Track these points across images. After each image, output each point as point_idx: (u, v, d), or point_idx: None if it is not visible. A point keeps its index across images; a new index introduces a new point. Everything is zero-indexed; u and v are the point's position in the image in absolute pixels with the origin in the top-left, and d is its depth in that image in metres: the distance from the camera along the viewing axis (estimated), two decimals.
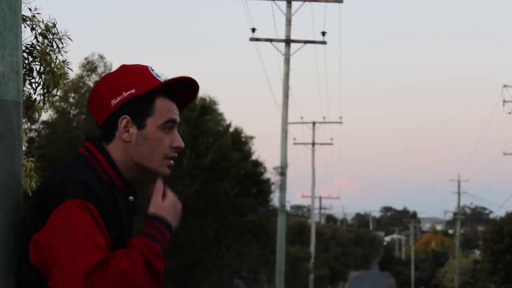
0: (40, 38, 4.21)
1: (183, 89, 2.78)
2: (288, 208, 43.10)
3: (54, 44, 4.21)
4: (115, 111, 2.68)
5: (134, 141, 2.69)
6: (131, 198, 2.77)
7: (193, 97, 2.83)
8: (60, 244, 2.48)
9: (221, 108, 35.06)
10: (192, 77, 2.76)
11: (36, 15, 4.19)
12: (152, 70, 2.76)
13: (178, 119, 2.75)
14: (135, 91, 2.68)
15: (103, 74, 2.82)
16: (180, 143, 2.74)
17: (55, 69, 4.22)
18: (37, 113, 4.44)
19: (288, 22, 25.15)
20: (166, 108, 2.71)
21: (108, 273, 2.44)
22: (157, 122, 2.69)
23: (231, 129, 24.53)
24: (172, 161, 2.76)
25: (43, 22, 4.21)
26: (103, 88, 2.72)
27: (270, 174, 25.18)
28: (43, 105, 4.38)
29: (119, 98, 2.68)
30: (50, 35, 4.20)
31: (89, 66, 21.81)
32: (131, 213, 2.77)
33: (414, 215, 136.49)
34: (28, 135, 21.53)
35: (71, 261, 2.45)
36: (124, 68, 2.75)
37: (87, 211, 2.52)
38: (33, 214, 2.57)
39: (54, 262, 2.48)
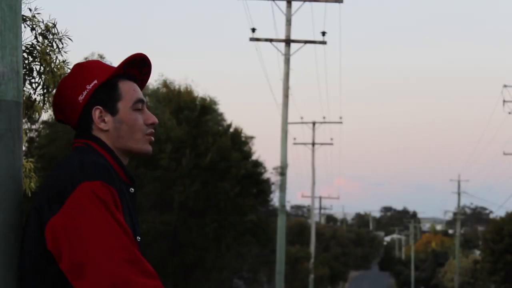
0: (40, 38, 4.21)
1: (138, 68, 2.85)
2: (288, 208, 43.11)
3: (54, 44, 4.21)
4: (85, 106, 2.73)
5: (112, 128, 2.74)
6: (132, 190, 2.79)
7: (148, 74, 2.90)
8: (82, 226, 2.48)
9: (221, 108, 35.04)
10: (143, 52, 2.82)
11: (36, 15, 4.19)
12: (103, 60, 2.86)
13: (143, 98, 2.83)
14: (97, 81, 2.74)
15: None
16: (154, 119, 2.82)
17: (55, 69, 4.22)
18: (37, 113, 4.44)
19: (288, 22, 25.15)
20: (131, 89, 2.79)
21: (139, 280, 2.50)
22: (128, 104, 2.76)
23: (231, 129, 24.53)
24: (152, 137, 2.82)
25: (43, 22, 4.21)
26: (65, 90, 2.77)
27: (270, 174, 25.19)
28: (43, 105, 4.38)
29: (84, 93, 2.73)
30: (50, 35, 4.20)
31: None
32: (134, 204, 2.79)
33: (414, 215, 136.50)
34: (28, 135, 21.53)
35: (102, 254, 2.45)
36: (78, 66, 2.83)
37: (109, 192, 2.54)
38: (48, 200, 2.55)
39: (81, 251, 2.46)
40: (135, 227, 2.71)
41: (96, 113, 2.73)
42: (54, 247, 2.50)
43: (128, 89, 2.78)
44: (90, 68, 2.78)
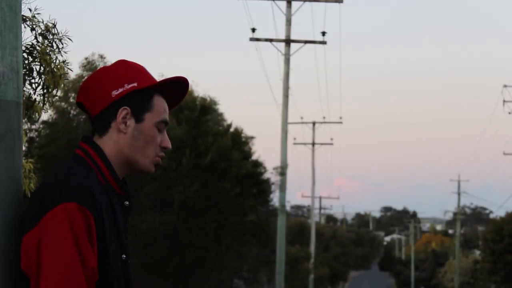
0: (40, 38, 4.20)
1: (174, 89, 2.82)
2: (288, 208, 43.09)
3: (54, 44, 4.21)
4: (115, 102, 2.70)
5: (129, 134, 2.72)
6: (127, 203, 2.76)
7: (181, 99, 2.88)
8: (47, 253, 2.48)
9: (221, 108, 35.02)
10: (187, 79, 2.80)
11: (36, 15, 4.18)
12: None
13: (168, 119, 2.83)
14: (137, 85, 2.72)
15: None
16: (169, 144, 2.80)
17: (55, 69, 4.22)
18: (37, 113, 4.43)
19: (288, 22, 25.15)
20: (162, 108, 2.76)
21: None
22: (154, 119, 2.74)
23: (231, 129, 24.52)
24: (160, 160, 2.81)
25: (43, 22, 4.21)
26: (102, 79, 2.74)
27: (270, 174, 25.19)
28: (43, 105, 4.38)
29: (120, 90, 2.71)
30: (50, 35, 4.20)
31: (89, 66, 21.82)
32: (126, 217, 2.76)
33: (414, 215, 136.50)
34: (28, 135, 21.52)
35: (56, 282, 2.44)
36: (123, 62, 2.79)
37: (83, 217, 2.51)
38: (29, 216, 2.56)
39: (39, 270, 2.47)
40: (121, 244, 2.68)
41: (123, 113, 2.70)
42: (25, 266, 2.52)
43: (160, 105, 2.76)
44: (135, 69, 2.76)
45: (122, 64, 2.77)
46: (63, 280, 2.44)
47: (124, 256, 2.68)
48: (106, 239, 2.59)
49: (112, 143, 2.72)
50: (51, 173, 2.65)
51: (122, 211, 2.72)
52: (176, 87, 2.81)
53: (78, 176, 2.60)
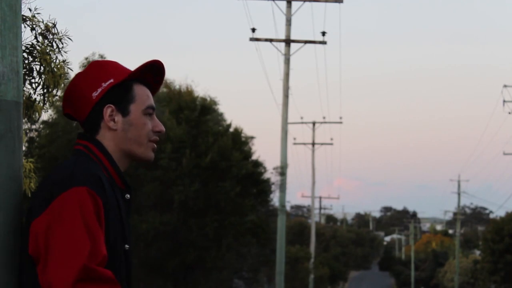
0: (40, 38, 4.20)
1: (152, 74, 2.87)
2: (288, 208, 43.10)
3: (54, 44, 4.21)
4: (98, 102, 2.74)
5: (120, 129, 2.76)
6: (128, 196, 2.80)
7: (160, 82, 2.92)
8: (57, 235, 2.50)
9: (221, 108, 34.97)
10: (160, 60, 2.84)
11: (36, 15, 4.18)
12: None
13: (154, 104, 2.86)
14: (113, 81, 2.75)
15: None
16: (162, 127, 2.84)
17: (55, 69, 4.22)
18: (37, 113, 4.43)
19: (288, 22, 25.15)
20: (145, 95, 2.81)
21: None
22: (140, 108, 2.78)
23: (231, 129, 24.52)
24: (155, 145, 2.85)
25: (43, 22, 4.20)
26: (80, 85, 2.78)
27: (270, 174, 25.17)
28: (43, 105, 4.37)
29: (99, 90, 2.74)
30: (50, 35, 4.20)
31: None
32: (128, 210, 2.81)
33: (414, 215, 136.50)
34: (28, 135, 21.53)
35: (64, 260, 2.46)
36: (96, 63, 2.83)
37: (93, 200, 2.55)
38: (37, 203, 2.58)
39: (47, 251, 2.49)
40: (125, 235, 2.72)
41: (108, 111, 2.74)
42: (34, 251, 2.54)
43: (142, 93, 2.80)
44: (108, 66, 2.80)
45: (95, 66, 2.82)
46: (72, 260, 2.45)
47: (127, 246, 2.73)
48: (112, 226, 2.63)
49: (106, 141, 2.76)
50: (57, 167, 2.68)
51: (124, 204, 2.77)
52: (153, 71, 2.85)
53: (86, 164, 2.65)
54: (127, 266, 2.74)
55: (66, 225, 2.49)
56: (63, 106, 2.85)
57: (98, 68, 2.79)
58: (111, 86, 2.75)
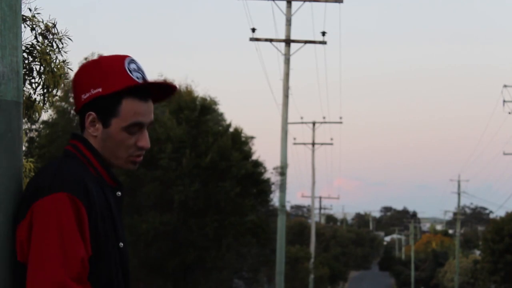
0: (40, 38, 4.20)
1: (156, 88, 2.77)
2: (288, 208, 43.08)
3: (54, 44, 4.21)
4: (84, 106, 2.71)
5: (99, 136, 2.72)
6: (119, 193, 2.77)
7: (169, 95, 2.81)
8: (33, 242, 2.50)
9: (221, 108, 34.94)
10: (167, 82, 2.75)
11: (36, 15, 4.18)
12: (131, 62, 2.72)
13: (147, 119, 2.72)
14: (101, 90, 2.68)
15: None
16: (146, 143, 2.72)
17: (55, 69, 4.21)
18: (37, 113, 4.43)
19: (288, 22, 25.14)
20: (132, 111, 2.68)
21: None
22: (121, 124, 2.69)
23: (231, 129, 24.51)
24: (139, 158, 2.76)
25: (43, 22, 4.20)
26: (77, 80, 2.75)
27: (270, 174, 25.17)
28: (43, 105, 4.37)
29: (87, 94, 2.70)
30: (50, 35, 4.20)
31: None
32: (119, 207, 2.78)
33: (414, 215, 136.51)
34: (28, 135, 21.53)
35: (41, 268, 2.46)
36: (98, 62, 2.73)
37: (73, 206, 2.52)
38: (22, 208, 2.58)
39: (28, 261, 2.50)
40: (118, 233, 2.69)
41: (89, 118, 2.71)
42: (21, 257, 2.55)
43: (129, 109, 2.68)
44: (104, 71, 2.69)
45: (94, 65, 2.72)
46: (44, 271, 2.45)
47: (121, 244, 2.70)
48: (100, 228, 2.60)
49: (91, 141, 2.74)
50: (42, 169, 2.66)
51: (115, 202, 2.74)
52: (157, 86, 2.76)
53: (69, 168, 2.62)
54: (123, 264, 2.71)
55: (41, 234, 2.48)
56: (71, 85, 2.84)
57: (94, 70, 2.71)
58: (98, 95, 2.68)
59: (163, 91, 2.79)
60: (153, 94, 2.77)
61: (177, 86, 2.82)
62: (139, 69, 2.72)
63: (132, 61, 2.73)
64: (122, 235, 2.73)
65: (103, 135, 2.71)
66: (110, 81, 2.68)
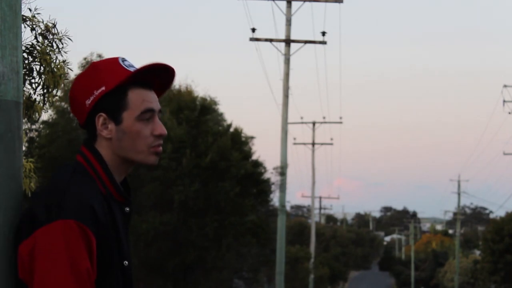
0: (40, 38, 4.20)
1: (157, 75, 2.75)
2: (288, 208, 43.07)
3: (54, 44, 4.21)
4: (91, 111, 2.68)
5: (114, 137, 2.67)
6: (127, 209, 2.74)
7: (170, 81, 2.79)
8: (39, 266, 2.46)
9: (221, 108, 34.94)
10: (162, 62, 2.72)
11: (36, 15, 4.18)
12: (124, 61, 2.73)
13: (156, 106, 2.72)
14: (105, 88, 2.66)
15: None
16: (162, 130, 2.70)
17: (55, 69, 4.21)
18: (37, 113, 4.43)
19: (288, 22, 25.14)
20: (140, 99, 2.68)
21: None
22: (133, 115, 2.67)
23: (231, 129, 24.51)
24: (159, 148, 2.72)
25: (43, 22, 4.20)
26: (76, 90, 2.72)
27: (270, 174, 25.17)
28: (43, 105, 4.37)
29: (91, 98, 2.67)
30: (50, 35, 4.20)
31: None
32: (127, 223, 2.74)
33: (414, 215, 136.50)
34: (28, 135, 21.52)
35: None
36: (93, 66, 2.73)
37: (82, 234, 2.49)
38: (26, 224, 2.55)
39: (33, 283, 2.46)
40: (123, 251, 2.66)
41: (100, 120, 2.66)
42: (23, 276, 2.51)
43: (137, 98, 2.67)
44: (102, 71, 2.69)
45: (90, 70, 2.72)
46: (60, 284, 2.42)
47: (126, 262, 2.67)
48: (105, 251, 2.56)
49: (104, 149, 2.69)
50: (51, 182, 2.61)
51: (122, 218, 2.70)
52: (157, 73, 2.74)
53: (78, 189, 2.56)
54: (126, 283, 2.68)
55: (51, 261, 2.44)
56: (70, 105, 2.80)
57: (93, 72, 2.70)
58: (103, 94, 2.65)
59: (163, 80, 2.77)
60: (154, 85, 2.76)
61: (174, 69, 2.76)
62: (133, 65, 2.73)
63: (124, 59, 2.74)
64: (127, 253, 2.69)
65: (118, 134, 2.67)
66: (111, 78, 2.67)
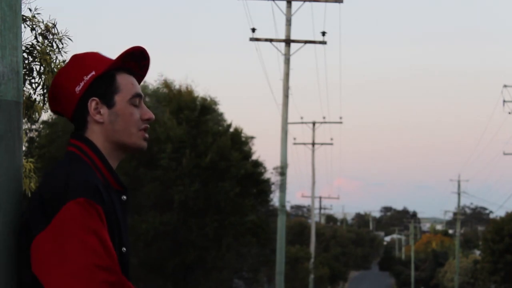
0: (40, 38, 4.20)
1: (137, 61, 2.81)
2: (288, 208, 43.08)
3: (54, 44, 4.20)
4: (82, 97, 2.70)
5: (107, 121, 2.71)
6: (124, 197, 2.76)
7: (146, 68, 2.85)
8: (70, 250, 2.46)
9: (221, 108, 34.94)
10: (141, 46, 2.78)
11: (36, 15, 4.18)
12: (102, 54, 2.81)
13: (141, 92, 2.80)
14: (95, 73, 2.70)
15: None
16: (151, 114, 2.78)
17: (55, 69, 4.22)
18: (37, 113, 4.43)
19: (288, 22, 25.14)
20: (129, 83, 2.75)
21: None
22: (125, 98, 2.73)
23: (231, 129, 24.51)
24: (146, 134, 2.79)
25: (43, 22, 4.20)
26: (63, 81, 2.74)
27: (270, 174, 25.17)
28: (43, 105, 4.37)
29: (82, 84, 2.70)
30: (50, 35, 4.20)
31: None
32: (124, 211, 2.77)
33: (414, 215, 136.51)
34: (28, 135, 21.52)
35: (84, 273, 2.43)
36: (76, 57, 2.78)
37: (93, 209, 2.52)
38: (34, 218, 2.55)
39: (58, 269, 2.45)
40: (122, 237, 2.69)
41: (92, 104, 2.69)
42: (39, 268, 2.50)
43: (126, 82, 2.74)
44: (88, 59, 2.74)
45: (75, 59, 2.76)
46: (93, 262, 2.44)
47: (124, 249, 2.70)
48: (110, 231, 2.60)
49: (95, 135, 2.72)
50: (50, 174, 2.63)
51: (120, 206, 2.73)
52: (136, 58, 2.80)
53: (80, 172, 2.60)
54: (124, 269, 2.69)
55: (78, 241, 2.45)
56: (49, 103, 2.81)
57: (78, 62, 2.74)
58: (93, 78, 2.69)
59: (141, 67, 2.84)
60: (133, 72, 2.84)
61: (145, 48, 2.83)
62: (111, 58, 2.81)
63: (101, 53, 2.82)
64: (126, 240, 2.72)
65: (110, 117, 2.71)
66: (99, 63, 2.73)
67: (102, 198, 2.57)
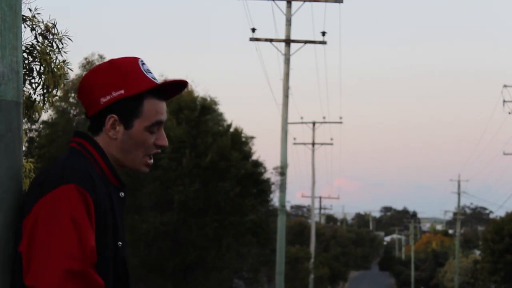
0: (40, 38, 4.20)
1: (172, 87, 2.79)
2: (288, 208, 43.08)
3: (54, 44, 4.20)
4: (104, 109, 2.69)
5: (119, 139, 2.71)
6: (122, 194, 2.77)
7: (180, 92, 2.83)
8: (43, 233, 2.48)
9: (221, 108, 34.96)
10: (183, 79, 2.76)
11: (36, 15, 4.18)
12: (143, 64, 2.74)
13: (164, 118, 2.77)
14: (124, 92, 2.68)
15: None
16: (165, 141, 2.77)
17: (55, 69, 4.21)
18: (37, 113, 4.42)
19: (288, 22, 25.14)
20: (154, 110, 2.72)
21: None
22: (144, 124, 2.71)
23: (231, 129, 24.52)
24: (151, 160, 2.79)
25: (43, 22, 4.20)
26: (92, 84, 2.72)
27: (270, 174, 25.17)
28: (43, 105, 4.37)
29: (108, 97, 2.68)
30: (50, 35, 4.19)
31: (89, 66, 21.84)
32: (122, 208, 2.78)
33: (414, 215, 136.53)
34: (28, 135, 21.53)
35: (50, 261, 2.44)
36: (113, 63, 2.74)
37: (82, 197, 2.53)
38: (29, 201, 2.57)
39: (31, 250, 2.48)
40: (118, 232, 2.69)
41: (110, 120, 2.69)
42: (22, 247, 2.53)
43: (151, 109, 2.71)
44: (123, 72, 2.70)
45: (111, 67, 2.72)
46: (59, 262, 2.44)
47: (120, 243, 2.70)
48: (103, 223, 2.60)
49: (104, 143, 2.73)
50: (50, 165, 2.67)
51: (118, 202, 2.74)
52: (173, 85, 2.78)
53: (77, 162, 2.63)
54: (120, 263, 2.71)
55: (53, 224, 2.47)
56: (77, 90, 2.80)
57: (112, 72, 2.70)
58: (121, 97, 2.68)
59: (175, 88, 2.81)
60: (166, 95, 2.80)
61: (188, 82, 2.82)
62: (150, 70, 2.77)
63: (143, 62, 2.76)
64: (122, 235, 2.73)
65: (124, 137, 2.70)
66: (131, 83, 2.69)
67: (94, 188, 2.58)
